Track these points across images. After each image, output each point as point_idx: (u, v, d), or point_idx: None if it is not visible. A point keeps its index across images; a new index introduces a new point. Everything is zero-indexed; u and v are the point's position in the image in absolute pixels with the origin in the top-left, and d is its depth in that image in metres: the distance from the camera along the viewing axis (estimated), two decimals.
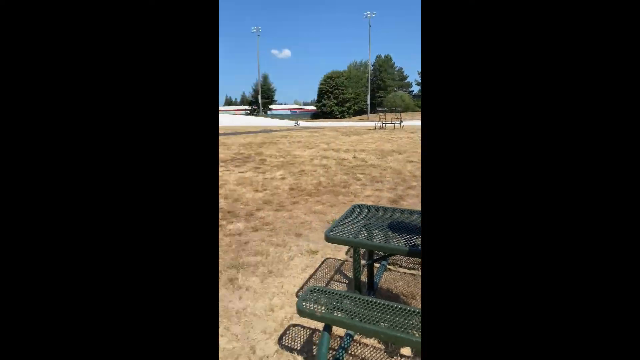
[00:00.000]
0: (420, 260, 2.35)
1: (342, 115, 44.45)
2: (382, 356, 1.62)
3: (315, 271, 2.36)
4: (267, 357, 1.56)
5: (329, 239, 1.79)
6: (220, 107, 65.82)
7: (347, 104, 45.29)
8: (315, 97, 49.81)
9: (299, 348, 1.63)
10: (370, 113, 40.70)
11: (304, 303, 1.31)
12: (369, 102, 37.28)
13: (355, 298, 1.37)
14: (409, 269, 2.44)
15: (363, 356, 1.60)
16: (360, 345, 1.66)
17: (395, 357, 1.57)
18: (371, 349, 1.65)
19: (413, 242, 1.70)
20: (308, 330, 1.75)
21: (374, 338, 1.66)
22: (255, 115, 44.32)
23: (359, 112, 45.76)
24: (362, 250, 2.22)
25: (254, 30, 48.30)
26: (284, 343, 1.66)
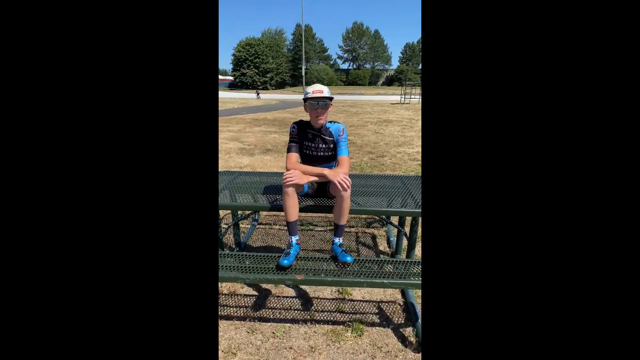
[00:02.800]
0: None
1: (264, 87, 40.74)
2: (245, 301, 1.81)
3: None
4: None
5: None
6: None
7: (269, 75, 41.40)
8: (231, 66, 44.49)
9: None
10: (292, 86, 36.85)
11: None
12: (303, 72, 33.21)
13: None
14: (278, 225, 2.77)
15: (227, 305, 1.78)
16: (223, 296, 1.85)
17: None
18: (234, 297, 1.85)
19: (275, 199, 1.85)
20: None
21: (240, 285, 1.93)
22: None
23: (281, 84, 41.55)
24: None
25: None
26: None
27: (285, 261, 1.50)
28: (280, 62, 43.40)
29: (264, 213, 2.95)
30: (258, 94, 27.57)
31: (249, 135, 7.16)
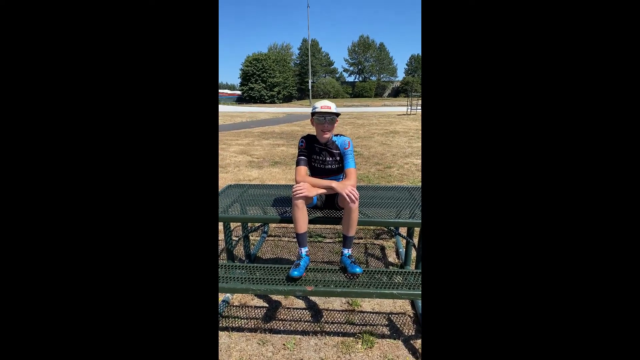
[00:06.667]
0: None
1: (272, 101, 42.00)
2: (256, 313, 1.84)
3: None
4: None
5: None
6: None
7: (277, 89, 42.35)
8: (239, 80, 45.27)
9: None
10: (299, 99, 37.96)
11: None
12: (310, 85, 34.81)
13: (225, 265, 1.68)
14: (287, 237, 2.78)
15: (238, 316, 1.81)
16: (234, 308, 1.89)
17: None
18: (245, 309, 1.88)
19: (287, 210, 1.90)
20: None
21: (250, 297, 1.96)
22: None
23: (288, 98, 42.84)
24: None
25: None
26: None
27: (296, 272, 1.52)
28: (287, 76, 44.19)
29: (273, 225, 2.98)
30: None
31: (258, 148, 7.26)
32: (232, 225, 2.81)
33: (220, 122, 13.78)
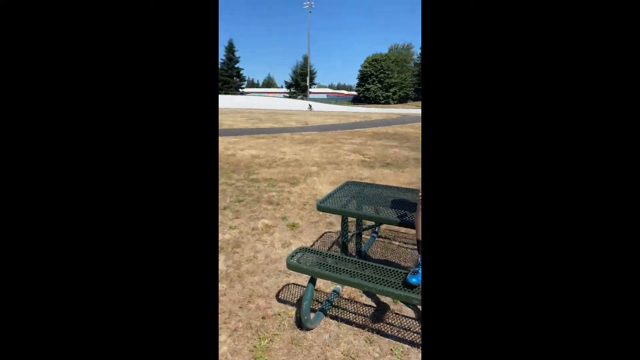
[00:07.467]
0: (408, 231, 2.67)
1: (386, 101, 40.02)
2: (364, 310, 1.84)
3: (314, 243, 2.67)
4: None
5: (319, 208, 2.06)
6: (257, 90, 64.31)
7: (393, 89, 40.12)
8: (356, 81, 44.65)
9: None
10: (415, 100, 35.92)
11: (292, 259, 1.64)
12: None
13: (338, 257, 1.71)
14: (400, 241, 2.68)
15: (346, 309, 1.84)
16: (344, 300, 1.91)
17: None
18: (354, 304, 1.89)
19: (402, 213, 1.89)
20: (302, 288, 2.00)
21: (358, 293, 1.95)
22: (294, 98, 40.46)
23: (403, 99, 39.98)
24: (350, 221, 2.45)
25: (306, 7, 42.78)
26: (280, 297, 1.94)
27: (414, 279, 1.46)
28: (405, 77, 43.04)
29: (384, 227, 2.95)
30: (310, 106, 27.67)
31: (370, 148, 7.32)
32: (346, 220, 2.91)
33: (335, 122, 14.48)
